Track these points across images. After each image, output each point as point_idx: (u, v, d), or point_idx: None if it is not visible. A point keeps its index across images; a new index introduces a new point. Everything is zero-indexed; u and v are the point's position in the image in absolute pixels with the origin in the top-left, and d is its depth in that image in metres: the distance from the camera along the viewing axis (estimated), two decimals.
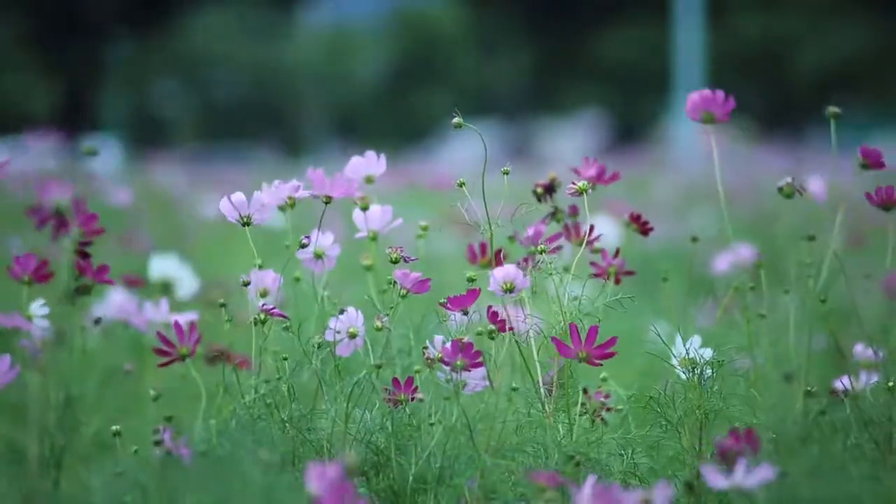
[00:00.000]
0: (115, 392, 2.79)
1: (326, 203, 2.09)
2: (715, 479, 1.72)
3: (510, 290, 1.99)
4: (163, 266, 3.09)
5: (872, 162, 2.08)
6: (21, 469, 1.98)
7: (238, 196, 2.06)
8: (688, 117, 2.13)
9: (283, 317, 2.00)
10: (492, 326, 1.99)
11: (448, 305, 1.99)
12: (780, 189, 2.13)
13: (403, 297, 2.01)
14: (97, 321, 2.28)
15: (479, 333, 1.99)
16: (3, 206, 6.75)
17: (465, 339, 1.96)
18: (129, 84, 28.80)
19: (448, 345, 1.96)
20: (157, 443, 1.92)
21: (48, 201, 2.03)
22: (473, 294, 1.98)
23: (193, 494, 1.72)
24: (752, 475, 1.72)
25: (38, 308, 2.06)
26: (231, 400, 1.98)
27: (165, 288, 3.06)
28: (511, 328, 2.00)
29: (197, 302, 3.23)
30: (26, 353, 2.02)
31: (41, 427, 1.97)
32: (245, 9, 28.93)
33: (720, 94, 2.12)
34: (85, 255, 2.05)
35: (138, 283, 3.12)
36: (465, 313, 1.99)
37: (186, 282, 3.10)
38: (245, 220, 2.06)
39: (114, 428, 2.02)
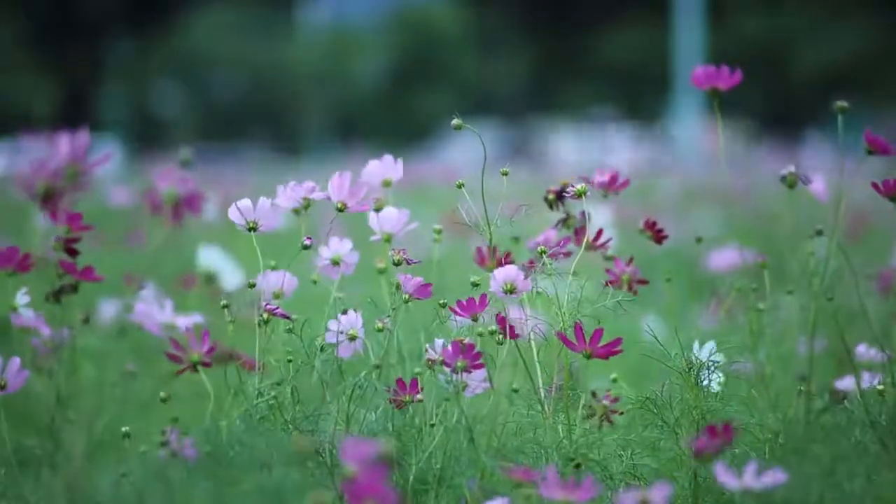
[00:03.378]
0: (118, 393, 2.79)
1: (340, 210, 2.06)
2: (727, 479, 1.72)
3: (511, 291, 1.99)
4: (209, 257, 3.04)
5: (878, 148, 2.08)
6: (42, 468, 1.98)
7: (244, 202, 2.05)
8: (695, 86, 2.17)
9: (287, 317, 2.00)
10: (494, 328, 1.98)
11: (457, 311, 1.98)
12: (783, 178, 2.13)
13: (407, 301, 2.01)
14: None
15: (480, 334, 1.99)
16: (4, 206, 6.74)
17: (467, 341, 1.96)
18: (128, 83, 28.80)
19: (449, 347, 1.96)
20: (164, 444, 1.92)
21: (163, 189, 2.05)
22: (483, 300, 1.98)
23: (196, 494, 1.72)
24: (762, 478, 1.72)
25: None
26: (238, 402, 1.98)
27: (210, 279, 3.03)
28: (516, 335, 1.99)
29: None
30: (36, 354, 2.02)
31: (48, 426, 1.97)
32: (245, 8, 28.93)
33: (725, 68, 2.16)
34: (72, 253, 2.04)
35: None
36: (475, 319, 1.98)
37: (231, 274, 3.06)
38: (251, 225, 2.06)
39: (123, 429, 2.02)
